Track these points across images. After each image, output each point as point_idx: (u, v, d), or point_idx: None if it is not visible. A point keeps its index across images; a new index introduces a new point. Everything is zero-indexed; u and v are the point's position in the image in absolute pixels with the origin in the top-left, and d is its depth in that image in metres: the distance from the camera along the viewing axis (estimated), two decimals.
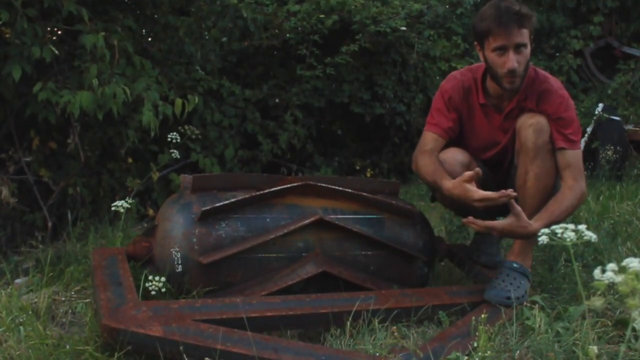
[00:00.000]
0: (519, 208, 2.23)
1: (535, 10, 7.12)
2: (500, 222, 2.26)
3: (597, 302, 1.02)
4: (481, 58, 2.43)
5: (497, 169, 2.61)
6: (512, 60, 2.28)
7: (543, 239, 1.19)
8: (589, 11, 7.44)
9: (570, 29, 7.35)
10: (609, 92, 6.88)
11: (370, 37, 5.29)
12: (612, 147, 5.17)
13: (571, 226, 1.16)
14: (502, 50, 2.30)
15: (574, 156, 2.37)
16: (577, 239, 1.14)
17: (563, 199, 2.31)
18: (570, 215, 2.42)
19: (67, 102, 3.09)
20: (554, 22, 7.23)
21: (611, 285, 1.03)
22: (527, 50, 2.33)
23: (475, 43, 2.44)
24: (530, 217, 2.35)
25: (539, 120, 2.34)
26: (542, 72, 2.47)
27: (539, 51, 7.25)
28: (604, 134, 5.45)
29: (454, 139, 2.57)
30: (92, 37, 3.14)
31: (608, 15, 7.50)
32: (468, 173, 2.23)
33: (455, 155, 2.50)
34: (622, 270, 1.00)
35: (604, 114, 5.58)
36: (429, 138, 2.53)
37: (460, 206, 2.68)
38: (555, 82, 2.45)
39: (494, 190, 2.61)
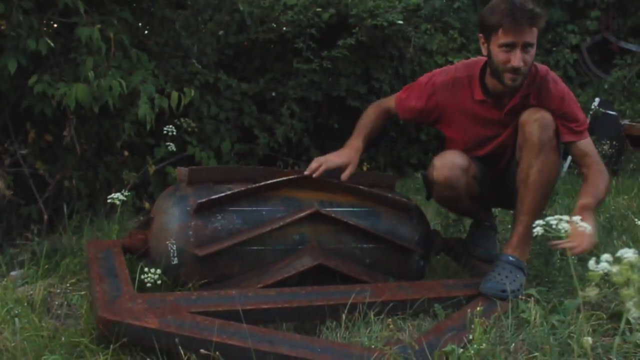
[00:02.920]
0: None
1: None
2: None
3: (592, 292, 1.02)
4: (484, 51, 2.39)
5: (496, 164, 2.61)
6: (519, 59, 2.25)
7: (538, 230, 1.20)
8: (586, 6, 7.43)
9: (567, 24, 7.34)
10: (606, 86, 6.88)
11: (367, 30, 5.27)
12: (608, 142, 5.17)
13: (566, 217, 1.16)
14: (510, 47, 2.26)
15: (586, 145, 2.39)
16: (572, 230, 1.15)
17: (596, 181, 2.33)
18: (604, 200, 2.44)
19: (63, 94, 3.09)
20: (551, 16, 7.22)
21: (606, 279, 1.03)
22: (533, 50, 2.30)
23: (480, 35, 2.39)
24: (529, 211, 2.35)
25: (544, 115, 2.33)
26: (542, 67, 2.44)
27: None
28: (600, 129, 5.45)
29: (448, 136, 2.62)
30: (88, 30, 3.13)
31: (605, 10, 7.49)
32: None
33: (454, 159, 2.49)
34: (616, 261, 1.01)
35: (601, 109, 5.58)
36: (391, 103, 2.67)
37: (454, 203, 2.69)
38: (554, 78, 2.43)
39: (490, 187, 2.63)
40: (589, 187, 2.33)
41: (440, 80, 2.52)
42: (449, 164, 2.48)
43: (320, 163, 2.43)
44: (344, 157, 2.49)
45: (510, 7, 2.24)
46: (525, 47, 2.27)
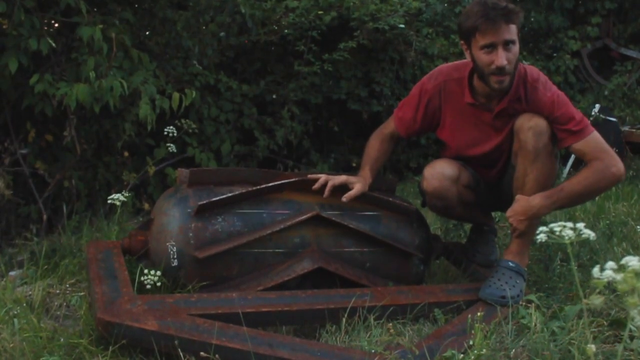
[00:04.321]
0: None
1: (533, 10, 7.12)
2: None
3: (596, 300, 1.02)
4: (468, 57, 2.38)
5: (491, 169, 2.59)
6: (502, 57, 2.23)
7: (541, 237, 1.19)
8: (587, 12, 7.44)
9: (567, 30, 7.35)
10: (606, 93, 6.88)
11: (369, 34, 5.27)
12: None
13: (569, 224, 1.16)
14: (491, 47, 2.24)
15: (586, 143, 2.31)
16: (576, 237, 1.14)
17: (577, 176, 2.30)
18: (592, 195, 2.41)
19: (63, 94, 3.09)
20: (551, 22, 7.22)
21: (607, 285, 1.03)
22: (516, 48, 2.27)
23: (462, 42, 2.38)
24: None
25: (538, 123, 2.30)
26: (532, 71, 2.40)
27: (536, 51, 7.25)
28: (600, 135, 5.44)
29: (443, 141, 2.62)
30: (89, 30, 3.13)
31: (606, 17, 7.49)
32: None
33: (443, 170, 2.49)
34: (621, 268, 1.00)
35: (601, 115, 5.58)
36: (391, 126, 2.64)
37: (447, 212, 2.69)
38: (545, 83, 2.38)
39: (485, 194, 2.62)
40: (565, 181, 2.35)
41: (432, 85, 2.50)
42: (437, 175, 2.48)
43: (328, 178, 2.42)
44: (353, 177, 2.47)
45: (483, 8, 2.23)
46: (506, 44, 2.24)
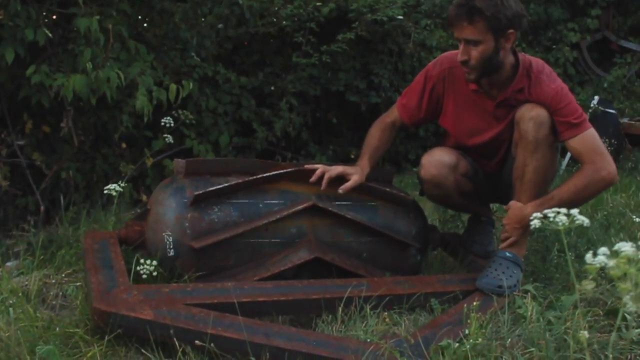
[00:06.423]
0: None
1: (532, 1, 7.10)
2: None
3: (589, 285, 1.02)
4: None
5: (491, 159, 2.59)
6: (461, 53, 2.28)
7: (535, 223, 1.19)
8: (587, 4, 7.42)
9: (567, 22, 7.33)
10: (605, 85, 6.87)
11: (367, 25, 5.26)
12: (607, 140, 5.16)
13: (563, 210, 1.15)
14: (459, 41, 2.29)
15: (582, 141, 2.30)
16: (569, 223, 1.14)
17: (567, 182, 2.31)
18: (585, 199, 2.39)
19: (60, 85, 3.08)
20: (551, 14, 7.21)
21: (603, 275, 1.03)
22: (483, 46, 2.25)
23: None
24: None
25: (539, 113, 2.29)
26: (537, 62, 2.41)
27: (535, 43, 7.23)
28: (599, 127, 5.38)
29: (445, 130, 2.62)
30: (86, 21, 3.12)
31: (605, 9, 7.48)
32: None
33: (441, 158, 2.49)
34: (613, 254, 1.00)
35: (600, 107, 5.58)
36: (394, 114, 2.64)
37: (444, 200, 2.69)
38: (549, 74, 2.39)
39: (484, 184, 2.62)
40: (552, 190, 2.36)
41: (437, 72, 2.51)
42: (435, 162, 2.48)
43: (325, 170, 2.41)
44: (350, 168, 2.47)
45: (454, 3, 2.27)
46: (467, 43, 2.26)
